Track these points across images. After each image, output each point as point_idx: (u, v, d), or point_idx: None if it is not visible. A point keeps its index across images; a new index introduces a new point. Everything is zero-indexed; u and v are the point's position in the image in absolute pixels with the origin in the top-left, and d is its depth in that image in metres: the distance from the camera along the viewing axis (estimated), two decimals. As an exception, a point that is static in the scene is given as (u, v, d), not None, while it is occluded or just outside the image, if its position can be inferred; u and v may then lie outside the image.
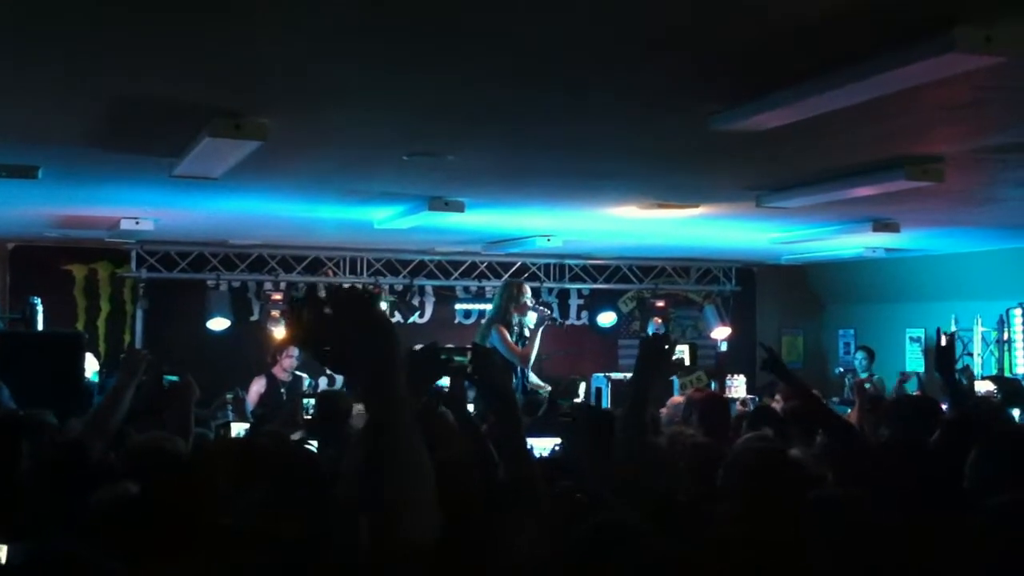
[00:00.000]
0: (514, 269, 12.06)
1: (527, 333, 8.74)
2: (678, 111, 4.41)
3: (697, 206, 7.48)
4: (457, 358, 3.01)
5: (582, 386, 10.22)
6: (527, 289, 8.99)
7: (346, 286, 2.48)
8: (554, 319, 9.02)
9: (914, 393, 9.39)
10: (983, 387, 7.96)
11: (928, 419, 4.63)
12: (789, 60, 3.57)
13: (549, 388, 8.83)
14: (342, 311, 1.79)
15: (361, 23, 3.25)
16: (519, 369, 8.70)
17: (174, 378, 4.92)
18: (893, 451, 3.70)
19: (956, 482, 3.24)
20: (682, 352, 9.20)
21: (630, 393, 2.27)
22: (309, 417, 6.37)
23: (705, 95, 4.13)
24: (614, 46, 3.50)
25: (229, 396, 7.35)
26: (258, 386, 9.46)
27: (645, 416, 3.24)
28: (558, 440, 4.90)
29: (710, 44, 3.46)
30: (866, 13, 3.10)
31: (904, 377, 9.68)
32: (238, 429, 4.91)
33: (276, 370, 9.61)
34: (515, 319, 8.70)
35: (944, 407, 5.33)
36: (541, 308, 8.76)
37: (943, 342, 5.46)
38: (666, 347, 2.44)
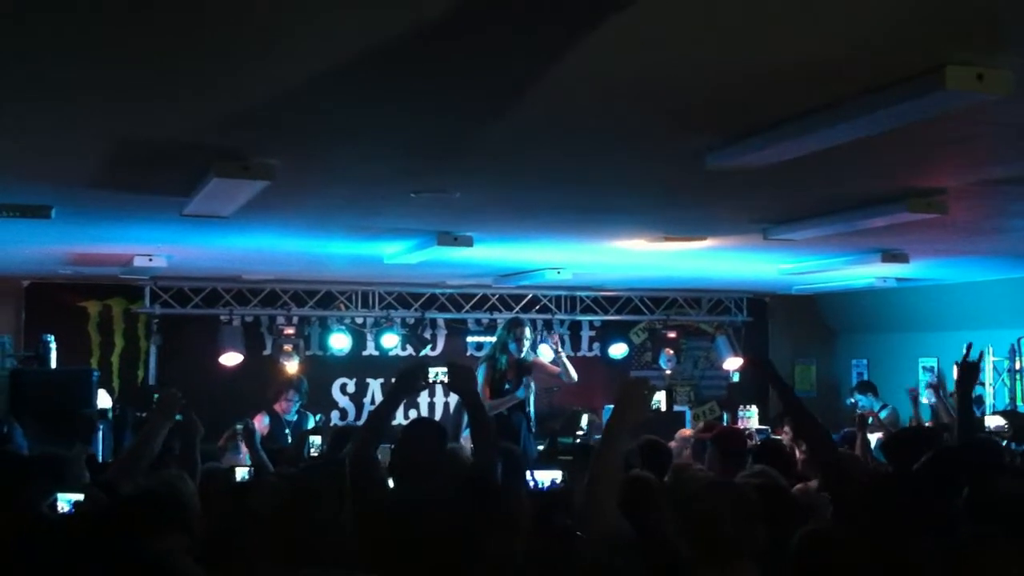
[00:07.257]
0: (525, 301, 12.09)
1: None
2: (675, 150, 4.45)
3: (704, 238, 7.51)
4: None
5: (584, 418, 10.17)
6: (526, 332, 8.93)
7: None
8: (528, 385, 8.83)
9: (927, 423, 9.36)
10: (993, 422, 7.80)
11: (919, 451, 4.56)
12: (783, 100, 3.61)
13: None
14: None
15: (362, 65, 3.31)
16: (524, 416, 8.69)
17: (178, 417, 5.00)
18: (884, 482, 3.70)
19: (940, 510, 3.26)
20: (658, 401, 9.14)
21: (603, 434, 2.32)
22: (316, 454, 6.38)
23: (701, 134, 4.17)
24: (610, 90, 3.55)
25: (239, 427, 7.26)
26: (260, 424, 9.15)
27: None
28: (557, 474, 4.97)
29: (704, 87, 3.50)
30: (862, 52, 3.14)
31: (914, 392, 9.52)
32: (241, 473, 4.95)
33: (278, 407, 9.56)
34: (502, 362, 8.70)
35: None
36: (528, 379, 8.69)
37: (971, 357, 5.26)
38: (644, 392, 2.46)
